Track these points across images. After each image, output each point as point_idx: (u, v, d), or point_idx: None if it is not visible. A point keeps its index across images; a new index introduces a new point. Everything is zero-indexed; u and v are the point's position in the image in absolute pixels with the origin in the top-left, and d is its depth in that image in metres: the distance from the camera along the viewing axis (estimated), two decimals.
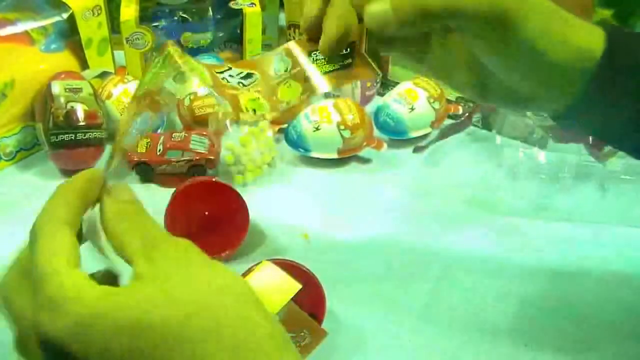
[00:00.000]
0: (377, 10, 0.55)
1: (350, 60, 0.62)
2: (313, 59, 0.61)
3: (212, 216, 0.89)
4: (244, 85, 0.59)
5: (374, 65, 0.62)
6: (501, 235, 0.92)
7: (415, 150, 1.06)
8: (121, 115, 1.01)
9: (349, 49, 0.61)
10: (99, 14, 1.05)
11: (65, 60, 1.04)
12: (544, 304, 0.82)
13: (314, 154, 1.02)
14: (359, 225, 0.93)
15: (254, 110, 0.59)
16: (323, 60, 0.61)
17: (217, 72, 0.59)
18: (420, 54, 0.66)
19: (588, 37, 0.57)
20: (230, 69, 0.59)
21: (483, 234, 0.92)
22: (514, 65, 0.58)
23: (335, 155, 1.02)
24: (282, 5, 1.31)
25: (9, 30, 0.96)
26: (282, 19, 1.34)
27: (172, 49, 0.55)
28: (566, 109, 0.61)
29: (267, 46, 1.28)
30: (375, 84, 1.17)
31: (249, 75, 0.60)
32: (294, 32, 1.28)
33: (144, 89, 0.54)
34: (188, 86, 0.64)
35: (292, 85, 0.61)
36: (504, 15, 0.54)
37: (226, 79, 0.59)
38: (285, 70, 0.61)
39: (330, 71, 0.61)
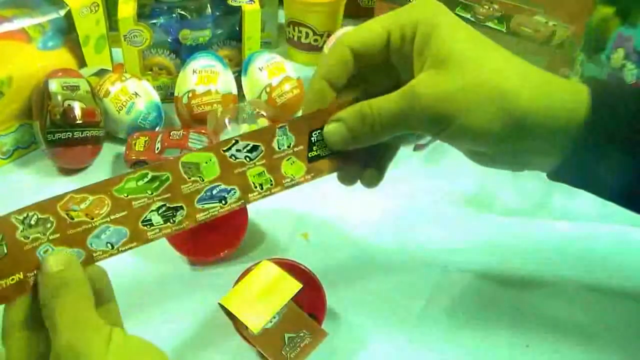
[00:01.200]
0: (333, 132, 0.61)
1: None
2: (314, 139, 0.62)
3: None
4: (250, 159, 0.60)
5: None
6: (501, 235, 0.92)
7: (416, 148, 1.05)
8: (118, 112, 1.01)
9: None
10: (96, 11, 1.05)
11: (62, 57, 1.03)
12: (544, 304, 0.82)
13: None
14: (358, 225, 0.92)
15: (261, 186, 0.61)
16: (322, 141, 0.63)
17: (224, 150, 0.59)
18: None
19: (572, 98, 0.57)
20: (237, 142, 0.59)
21: (483, 233, 0.92)
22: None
23: None
24: (281, 2, 1.31)
25: (6, 27, 0.96)
26: (281, 15, 1.34)
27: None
28: (556, 169, 0.61)
29: (266, 43, 1.27)
30: None
31: (254, 148, 0.60)
32: (294, 29, 1.28)
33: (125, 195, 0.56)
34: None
35: (296, 163, 0.62)
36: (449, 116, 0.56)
37: (234, 156, 0.59)
38: (288, 147, 0.62)
39: (329, 154, 0.63)
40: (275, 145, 0.61)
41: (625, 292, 0.83)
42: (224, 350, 0.74)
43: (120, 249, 0.56)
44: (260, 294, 0.70)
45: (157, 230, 0.57)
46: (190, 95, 1.03)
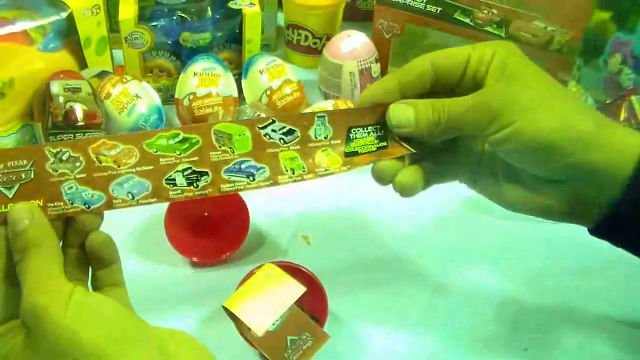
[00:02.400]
0: (400, 113, 0.63)
1: (385, 143, 0.64)
2: (352, 136, 0.63)
3: (212, 217, 0.89)
4: (285, 142, 0.61)
5: (406, 145, 0.64)
6: (501, 238, 0.92)
7: None
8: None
9: (383, 131, 0.64)
10: (97, 13, 1.05)
11: (63, 59, 1.03)
12: (545, 307, 0.82)
13: None
14: (359, 227, 0.93)
15: (292, 171, 0.61)
16: (361, 139, 0.63)
17: (260, 127, 0.60)
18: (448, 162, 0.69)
19: (626, 139, 0.59)
20: (274, 122, 0.60)
21: (483, 237, 0.92)
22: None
23: None
24: (280, 4, 1.31)
25: (8, 29, 0.96)
26: (280, 18, 1.34)
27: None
28: (598, 224, 0.62)
29: (265, 46, 1.27)
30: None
31: (290, 132, 0.61)
32: (293, 32, 1.28)
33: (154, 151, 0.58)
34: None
35: (331, 155, 0.62)
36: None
37: (268, 135, 0.60)
38: (325, 138, 0.62)
39: (368, 152, 0.64)
40: (312, 133, 0.62)
41: (630, 295, 0.84)
42: (226, 353, 0.74)
43: (140, 201, 0.57)
44: (264, 296, 0.70)
45: (180, 191, 0.58)
46: (191, 97, 1.03)
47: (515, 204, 0.65)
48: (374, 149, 0.64)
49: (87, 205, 0.56)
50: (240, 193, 0.84)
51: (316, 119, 0.62)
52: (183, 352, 0.54)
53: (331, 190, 0.99)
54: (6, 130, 0.99)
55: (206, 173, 0.58)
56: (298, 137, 0.61)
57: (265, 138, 0.60)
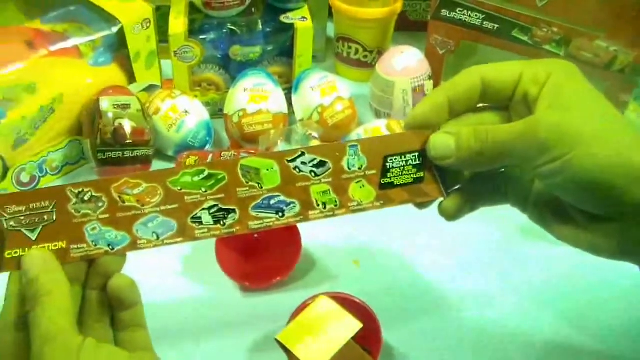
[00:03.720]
0: (441, 143, 0.59)
1: (422, 174, 0.61)
2: (389, 165, 0.60)
3: (264, 242, 0.87)
4: (316, 174, 0.59)
5: (441, 186, 0.61)
6: (557, 263, 0.90)
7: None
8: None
9: (422, 159, 0.61)
10: (148, 28, 1.04)
11: (112, 73, 1.03)
12: (608, 337, 0.80)
13: None
14: (411, 251, 0.91)
15: (324, 205, 0.59)
16: (397, 168, 0.60)
17: (289, 160, 0.58)
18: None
19: None
20: (303, 154, 0.58)
21: (538, 262, 0.90)
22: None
23: None
24: (330, 15, 1.29)
25: (60, 45, 0.95)
26: (330, 29, 1.32)
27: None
28: None
29: (314, 58, 1.25)
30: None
31: (322, 164, 0.59)
32: (343, 45, 1.26)
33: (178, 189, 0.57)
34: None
35: (365, 187, 0.60)
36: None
37: (298, 168, 0.58)
38: (359, 168, 0.59)
39: (404, 184, 0.60)
40: (345, 164, 0.59)
41: None
42: None
43: (165, 241, 0.56)
44: (319, 331, 0.68)
45: (206, 230, 0.57)
46: (241, 114, 1.01)
47: (563, 237, 0.61)
48: (411, 180, 0.61)
49: (110, 247, 0.55)
50: None
51: (348, 148, 0.59)
52: None
53: (382, 213, 0.97)
54: (54, 146, 0.98)
55: (233, 210, 0.57)
56: (330, 169, 0.59)
57: (295, 171, 0.58)
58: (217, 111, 1.14)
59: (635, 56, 0.96)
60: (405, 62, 1.08)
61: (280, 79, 1.14)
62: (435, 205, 0.87)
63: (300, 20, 1.10)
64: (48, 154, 0.98)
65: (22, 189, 0.96)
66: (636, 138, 0.54)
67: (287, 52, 1.13)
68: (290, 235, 0.83)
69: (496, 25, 1.06)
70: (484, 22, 1.07)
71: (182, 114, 1.01)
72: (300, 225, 0.81)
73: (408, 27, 1.36)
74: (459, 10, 1.10)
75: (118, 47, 1.02)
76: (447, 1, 1.11)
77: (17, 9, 1.02)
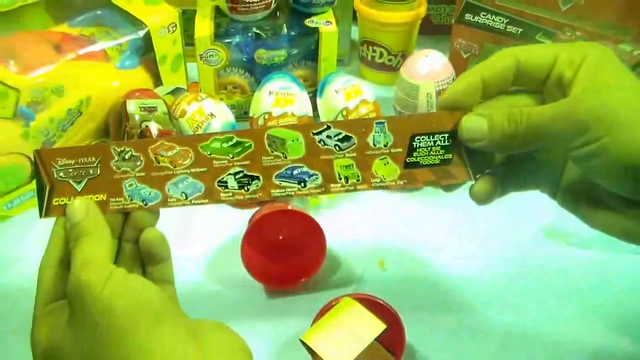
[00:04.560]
0: (472, 125, 0.58)
1: (450, 156, 0.60)
2: (416, 144, 0.60)
3: (287, 242, 0.88)
4: (340, 148, 0.59)
5: (469, 169, 0.61)
6: (577, 269, 0.89)
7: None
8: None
9: (451, 140, 0.60)
10: (174, 31, 1.05)
11: (138, 76, 1.04)
12: (631, 344, 0.80)
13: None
14: (435, 253, 0.91)
15: (346, 179, 0.60)
16: (425, 148, 0.60)
17: (314, 133, 0.59)
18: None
19: None
20: (329, 128, 0.59)
21: (559, 267, 0.90)
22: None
23: None
24: (354, 19, 1.30)
25: (88, 49, 0.96)
26: (354, 32, 1.33)
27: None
28: None
29: (339, 61, 1.26)
30: None
31: (346, 138, 0.60)
32: (367, 48, 1.27)
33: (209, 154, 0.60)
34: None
35: (390, 164, 0.60)
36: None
37: (323, 141, 0.59)
38: (385, 146, 0.60)
39: (430, 165, 0.60)
40: (370, 140, 0.60)
41: None
42: None
43: (193, 201, 0.60)
44: (343, 332, 0.69)
45: (231, 193, 0.60)
46: (266, 117, 1.02)
47: (595, 223, 0.60)
48: (438, 161, 0.60)
49: (144, 202, 0.60)
50: (314, 215, 0.83)
51: (375, 125, 0.60)
52: (218, 340, 0.57)
53: (406, 211, 0.98)
54: None
55: (257, 177, 0.60)
56: (355, 144, 0.60)
57: (319, 144, 0.59)
58: (242, 114, 1.14)
59: None
60: (429, 65, 1.08)
61: (305, 82, 1.14)
62: (460, 206, 0.88)
63: (325, 24, 1.10)
64: None
65: None
66: None
67: (311, 56, 1.13)
68: (315, 236, 0.83)
69: (520, 29, 1.06)
70: (508, 26, 1.07)
71: (207, 116, 1.02)
72: (324, 226, 0.82)
73: (432, 30, 1.36)
74: (483, 14, 1.10)
75: (144, 51, 1.03)
76: (471, 5, 1.11)
77: (45, 13, 1.03)
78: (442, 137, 0.60)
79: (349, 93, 1.06)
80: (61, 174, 0.59)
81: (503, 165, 0.63)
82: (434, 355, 0.78)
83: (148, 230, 0.60)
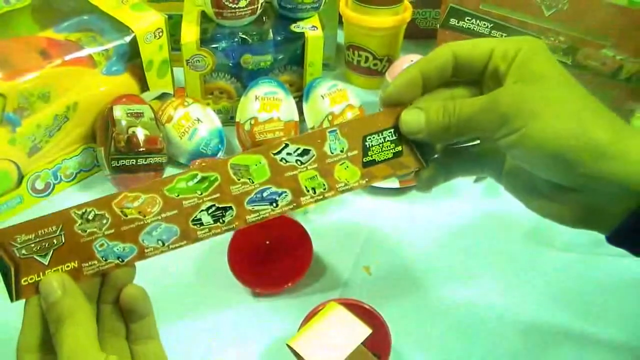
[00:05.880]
0: (411, 118, 0.61)
1: (400, 148, 0.63)
2: (368, 144, 0.62)
3: (274, 247, 0.88)
4: (301, 162, 0.60)
5: (418, 157, 0.63)
6: (561, 272, 0.91)
7: (477, 180, 1.04)
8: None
9: (397, 134, 0.63)
10: (160, 37, 1.05)
11: (125, 82, 1.04)
12: (609, 344, 0.81)
13: (376, 183, 1.01)
14: (420, 258, 0.92)
15: (314, 190, 0.60)
16: (377, 146, 0.62)
17: (274, 153, 0.60)
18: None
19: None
20: (287, 146, 0.60)
21: (543, 271, 0.91)
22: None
23: (396, 185, 1.00)
24: (340, 23, 1.31)
25: (74, 54, 0.96)
26: (340, 36, 1.33)
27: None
28: (616, 232, 0.58)
29: (324, 65, 1.26)
30: None
31: (305, 152, 0.60)
32: (353, 53, 1.27)
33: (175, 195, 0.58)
34: None
35: (350, 168, 0.61)
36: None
37: (284, 159, 0.60)
38: (342, 151, 0.61)
39: (385, 160, 0.62)
40: (327, 149, 0.61)
41: None
42: None
43: (170, 246, 0.58)
44: (329, 337, 0.69)
45: (207, 230, 0.59)
46: (252, 122, 1.02)
47: (532, 207, 0.63)
48: (390, 155, 0.62)
49: (120, 259, 0.57)
50: (300, 221, 0.84)
51: (328, 134, 0.61)
52: None
53: (392, 217, 0.98)
54: (69, 153, 1.00)
55: (230, 207, 0.59)
56: (314, 155, 0.60)
57: (282, 163, 0.60)
58: (228, 119, 1.15)
59: None
60: None
61: (291, 87, 1.15)
62: (445, 213, 0.88)
63: (311, 29, 1.11)
64: (62, 162, 1.00)
65: (37, 195, 0.98)
66: (595, 113, 0.55)
67: (297, 61, 1.14)
68: (301, 241, 0.84)
69: (504, 34, 1.07)
70: (492, 31, 1.08)
71: (194, 122, 1.02)
72: (311, 231, 0.82)
73: (417, 35, 1.37)
74: (468, 19, 1.11)
75: (131, 56, 1.03)
76: (456, 10, 1.12)
77: (31, 18, 1.03)
78: (389, 132, 0.62)
79: (335, 98, 1.07)
80: (23, 251, 0.55)
81: (449, 152, 0.65)
82: (420, 358, 0.79)
83: (128, 288, 0.58)
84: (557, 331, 0.82)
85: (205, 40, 1.08)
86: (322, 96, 1.08)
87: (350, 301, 0.75)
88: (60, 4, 1.06)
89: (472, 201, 1.02)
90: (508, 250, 0.94)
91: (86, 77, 0.99)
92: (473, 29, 1.10)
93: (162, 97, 1.09)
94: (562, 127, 0.53)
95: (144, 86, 1.07)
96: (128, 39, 1.01)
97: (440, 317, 0.84)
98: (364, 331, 0.70)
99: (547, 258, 0.92)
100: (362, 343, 0.69)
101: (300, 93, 1.15)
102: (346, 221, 0.98)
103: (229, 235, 0.83)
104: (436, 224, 0.97)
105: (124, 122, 0.94)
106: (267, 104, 1.04)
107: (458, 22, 1.13)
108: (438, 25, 1.17)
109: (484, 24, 1.09)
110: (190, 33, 1.07)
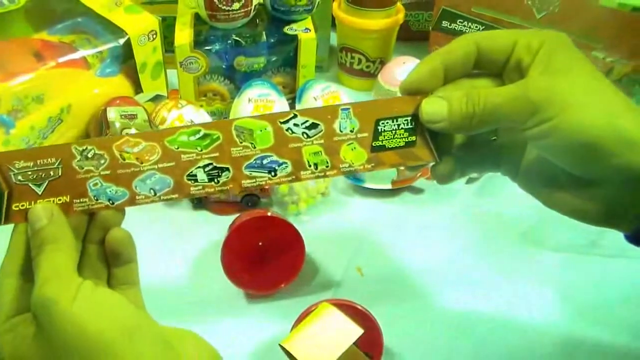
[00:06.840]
0: (432, 107, 0.59)
1: (414, 138, 0.61)
2: (380, 128, 0.60)
3: (267, 248, 0.89)
4: (308, 136, 0.59)
5: (433, 150, 0.61)
6: (554, 272, 0.91)
7: (468, 181, 1.05)
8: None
9: (414, 123, 0.61)
10: (154, 39, 1.05)
11: (119, 84, 1.04)
12: (604, 343, 0.81)
13: (368, 185, 1.01)
14: (412, 259, 0.92)
15: (316, 165, 0.59)
16: (389, 132, 0.60)
17: (282, 122, 0.59)
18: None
19: None
20: (295, 116, 0.59)
21: (537, 271, 0.91)
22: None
23: (389, 186, 1.01)
24: (333, 25, 1.31)
25: (68, 56, 0.96)
26: (333, 38, 1.34)
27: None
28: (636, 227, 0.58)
29: (317, 67, 1.27)
30: None
31: (314, 126, 0.60)
32: (346, 55, 1.28)
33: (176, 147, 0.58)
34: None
35: (357, 149, 0.60)
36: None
37: (290, 129, 0.59)
38: (351, 131, 0.60)
39: (396, 147, 0.61)
40: (337, 126, 0.60)
41: None
42: None
43: (161, 197, 0.58)
44: (322, 337, 0.70)
45: (201, 187, 0.58)
46: None
47: (552, 203, 0.61)
48: (402, 143, 0.61)
49: (111, 201, 0.57)
50: (293, 222, 0.84)
51: (340, 111, 0.60)
52: (191, 349, 0.55)
53: (384, 218, 0.99)
54: None
55: (227, 169, 0.59)
56: (322, 131, 0.59)
57: (287, 133, 0.59)
58: None
59: (632, 67, 0.97)
60: (407, 72, 1.06)
61: (284, 89, 1.15)
62: (437, 214, 0.89)
63: (304, 31, 1.11)
64: None
65: None
66: (623, 103, 0.55)
67: (290, 63, 1.14)
68: (294, 242, 0.84)
69: None
70: None
71: (187, 123, 1.02)
72: (303, 232, 0.83)
73: (410, 37, 1.37)
74: (460, 22, 1.12)
75: (125, 58, 1.04)
76: (448, 13, 1.12)
77: (24, 20, 1.03)
78: (405, 120, 0.60)
79: (327, 99, 1.07)
80: (19, 177, 0.56)
81: (465, 147, 0.64)
82: (412, 357, 0.79)
83: (115, 230, 0.58)
84: (550, 330, 0.83)
85: (198, 43, 1.08)
86: (315, 98, 1.08)
87: (343, 302, 0.76)
88: (54, 6, 1.06)
89: (465, 202, 1.02)
90: (500, 250, 0.94)
91: (80, 79, 0.99)
92: (465, 32, 1.10)
93: (156, 99, 1.09)
94: (594, 118, 0.53)
95: (138, 88, 1.08)
96: (122, 41, 1.02)
97: (432, 317, 0.84)
98: (356, 331, 0.70)
99: (540, 259, 0.93)
100: (354, 343, 0.70)
101: (293, 95, 1.15)
102: (339, 222, 0.98)
103: (222, 236, 0.83)
104: (429, 225, 0.98)
105: (117, 124, 0.95)
106: (260, 106, 1.04)
107: (450, 25, 1.13)
108: (430, 28, 1.17)
109: (476, 27, 1.10)
110: (183, 35, 1.08)
